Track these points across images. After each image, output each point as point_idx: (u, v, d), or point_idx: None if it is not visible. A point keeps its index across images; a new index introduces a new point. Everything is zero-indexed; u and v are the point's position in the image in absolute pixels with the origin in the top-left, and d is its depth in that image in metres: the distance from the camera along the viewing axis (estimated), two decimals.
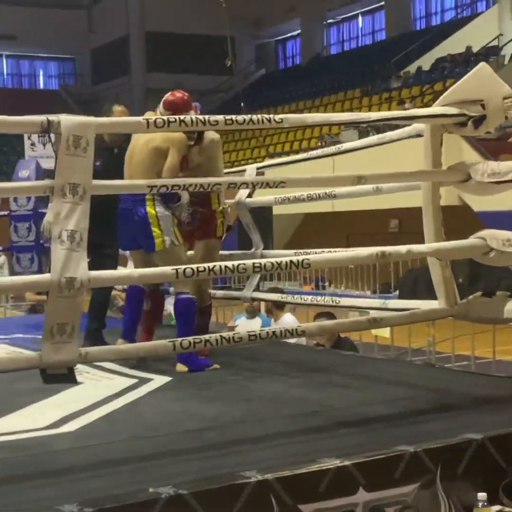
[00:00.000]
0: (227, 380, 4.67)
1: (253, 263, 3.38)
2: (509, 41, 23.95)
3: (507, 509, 3.13)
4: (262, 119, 3.42)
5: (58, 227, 3.03)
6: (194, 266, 3.29)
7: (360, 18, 33.80)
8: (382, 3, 31.61)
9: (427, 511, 3.14)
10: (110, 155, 5.52)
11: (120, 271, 3.74)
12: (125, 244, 5.33)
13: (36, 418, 3.86)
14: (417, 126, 4.43)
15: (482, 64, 3.94)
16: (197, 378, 4.73)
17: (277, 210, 17.29)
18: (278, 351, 5.51)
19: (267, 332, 3.50)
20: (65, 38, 37.74)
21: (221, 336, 3.41)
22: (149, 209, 4.84)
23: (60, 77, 41.42)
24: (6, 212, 11.60)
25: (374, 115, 3.79)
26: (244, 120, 3.39)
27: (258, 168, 6.07)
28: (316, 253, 4.80)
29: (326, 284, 18.09)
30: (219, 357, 5.06)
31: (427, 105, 20.98)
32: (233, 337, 3.41)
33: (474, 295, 4.05)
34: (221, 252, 6.71)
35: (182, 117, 3.29)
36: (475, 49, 24.28)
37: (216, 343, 3.38)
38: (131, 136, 5.10)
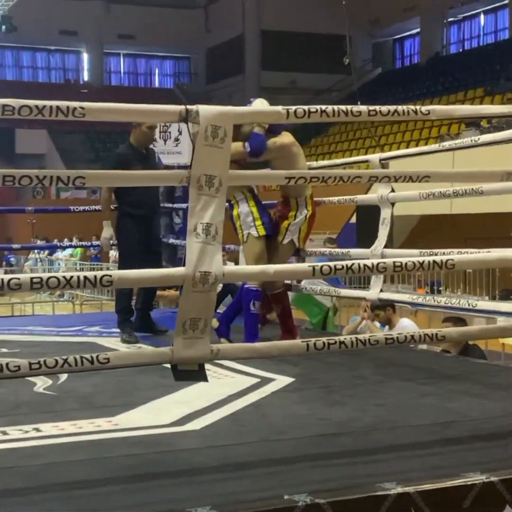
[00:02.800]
0: (353, 384, 4.49)
1: (394, 262, 3.19)
2: None
3: None
4: (408, 111, 3.25)
5: (193, 220, 2.93)
6: (331, 263, 3.13)
7: (482, 16, 32.99)
8: (506, 1, 30.75)
9: None
10: (146, 159, 6.09)
11: (254, 267, 3.60)
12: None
13: (159, 414, 3.77)
14: None
15: None
16: (321, 380, 4.58)
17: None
18: (405, 356, 5.26)
19: (405, 336, 3.30)
20: (181, 37, 38.30)
21: (356, 338, 3.24)
22: (234, 212, 5.51)
23: (175, 76, 42.08)
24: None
25: None
26: (389, 111, 3.21)
27: (381, 159, 5.75)
28: (445, 253, 4.54)
29: (442, 288, 17.58)
30: (340, 357, 4.93)
31: None
32: (369, 340, 3.23)
33: None
34: (337, 249, 6.54)
35: (323, 107, 3.13)
36: None
37: (351, 345, 3.21)
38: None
